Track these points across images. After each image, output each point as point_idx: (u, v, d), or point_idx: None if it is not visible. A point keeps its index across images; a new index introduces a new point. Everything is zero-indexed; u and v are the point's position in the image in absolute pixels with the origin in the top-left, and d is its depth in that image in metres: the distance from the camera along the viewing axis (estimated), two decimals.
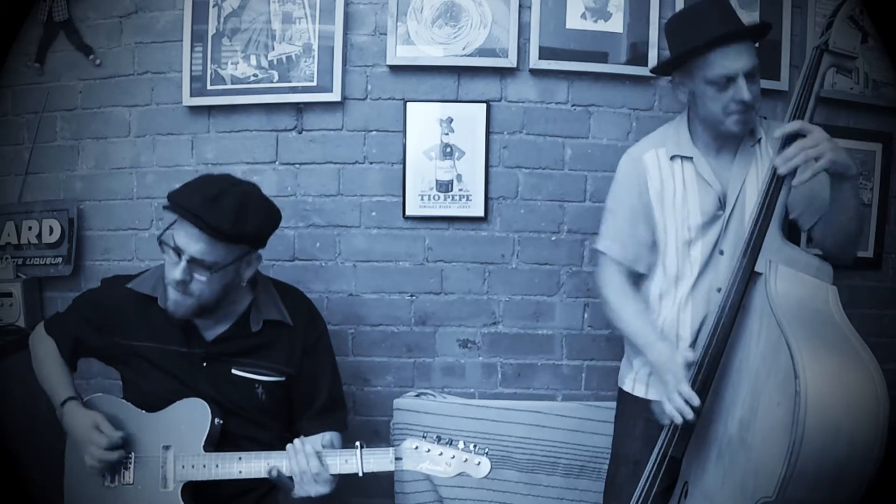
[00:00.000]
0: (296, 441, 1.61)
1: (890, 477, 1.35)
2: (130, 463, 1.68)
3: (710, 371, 1.59)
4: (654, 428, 1.70)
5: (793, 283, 1.52)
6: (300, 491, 1.59)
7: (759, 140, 1.74)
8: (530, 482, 2.22)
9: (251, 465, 1.63)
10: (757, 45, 1.68)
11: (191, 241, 1.59)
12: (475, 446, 1.57)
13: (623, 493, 1.78)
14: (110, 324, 1.76)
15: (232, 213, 1.59)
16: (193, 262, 1.61)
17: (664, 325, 1.81)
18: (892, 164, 2.40)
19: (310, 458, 1.57)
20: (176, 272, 1.60)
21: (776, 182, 1.56)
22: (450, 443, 1.58)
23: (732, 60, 1.60)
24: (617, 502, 1.84)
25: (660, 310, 1.82)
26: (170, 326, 1.72)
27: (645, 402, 1.85)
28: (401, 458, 1.58)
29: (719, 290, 1.65)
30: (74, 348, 1.80)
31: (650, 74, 2.25)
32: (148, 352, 1.73)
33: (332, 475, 1.59)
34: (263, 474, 1.62)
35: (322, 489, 1.58)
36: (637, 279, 1.87)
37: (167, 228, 1.64)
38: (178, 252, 1.61)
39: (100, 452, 1.62)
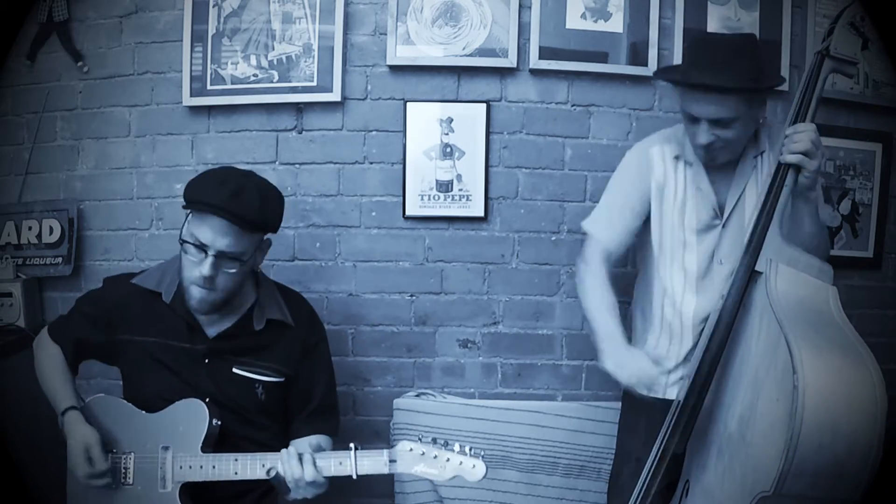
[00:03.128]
0: (290, 448, 1.62)
1: (889, 476, 1.35)
2: (130, 463, 1.68)
3: (710, 369, 1.59)
4: (657, 425, 1.71)
5: (793, 282, 1.53)
6: (296, 494, 1.61)
7: (763, 153, 1.75)
8: (530, 482, 2.22)
9: (247, 467, 1.63)
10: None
11: (217, 235, 1.61)
12: (471, 449, 1.55)
13: (626, 491, 1.78)
14: (114, 320, 1.77)
15: (258, 202, 1.65)
16: (221, 256, 1.63)
17: (670, 327, 1.81)
18: (892, 164, 2.40)
19: (305, 466, 1.57)
20: (204, 268, 1.62)
21: (780, 179, 1.57)
22: (445, 445, 1.56)
23: (698, 105, 1.65)
24: (620, 499, 1.84)
25: (662, 309, 1.83)
26: (173, 322, 1.73)
27: (649, 399, 1.86)
28: (395, 461, 1.57)
29: (722, 297, 1.65)
30: (77, 351, 1.80)
31: (650, 74, 2.25)
32: (150, 347, 1.73)
33: (325, 478, 1.59)
34: (259, 476, 1.62)
35: (318, 491, 1.60)
36: (628, 275, 1.89)
37: (183, 227, 1.65)
38: (203, 248, 1.62)
39: (83, 478, 1.63)
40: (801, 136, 1.55)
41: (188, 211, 1.67)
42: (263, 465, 1.62)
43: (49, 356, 1.79)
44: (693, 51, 1.75)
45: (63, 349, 1.79)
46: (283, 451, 1.61)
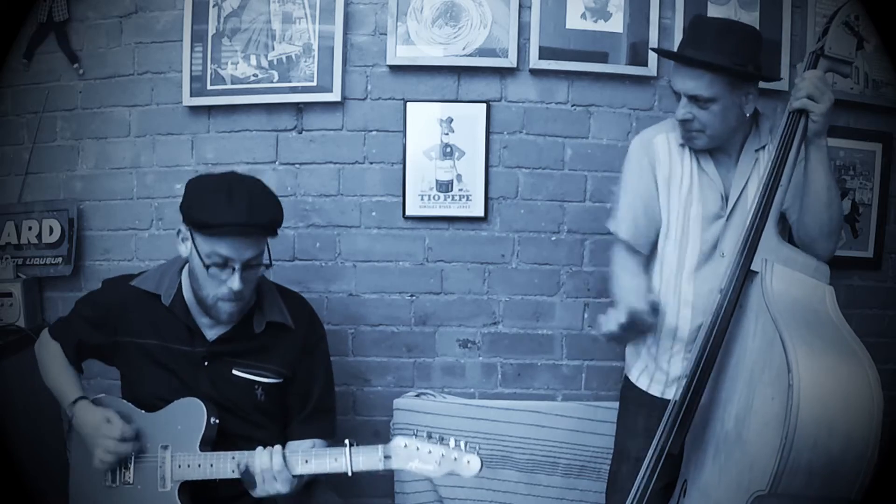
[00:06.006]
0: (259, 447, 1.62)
1: (885, 474, 1.35)
2: (130, 462, 1.68)
3: (706, 368, 1.59)
4: (655, 424, 1.71)
5: (789, 281, 1.54)
6: (261, 491, 1.60)
7: (764, 147, 1.75)
8: (530, 482, 2.22)
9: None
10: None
11: (241, 249, 1.61)
12: (466, 444, 1.55)
13: (625, 490, 1.78)
14: (112, 323, 1.77)
15: (270, 206, 1.68)
16: (246, 267, 1.63)
17: (665, 319, 1.82)
18: (892, 164, 2.40)
19: (274, 455, 1.58)
20: (234, 283, 1.61)
21: (790, 128, 1.58)
22: (440, 440, 1.56)
23: (679, 79, 1.68)
24: (618, 498, 1.84)
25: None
26: (172, 325, 1.73)
27: (648, 396, 1.86)
28: (390, 457, 1.57)
29: (721, 291, 1.65)
30: (78, 351, 1.80)
31: (650, 74, 2.26)
32: (150, 349, 1.73)
33: (293, 476, 1.59)
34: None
35: (281, 489, 1.59)
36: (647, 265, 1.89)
37: (194, 248, 1.63)
38: (228, 264, 1.61)
39: (112, 444, 1.62)
40: (805, 83, 1.57)
41: (190, 229, 1.65)
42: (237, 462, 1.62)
43: (52, 355, 1.80)
44: (687, 29, 1.78)
45: (64, 348, 1.80)
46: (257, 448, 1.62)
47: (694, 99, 1.66)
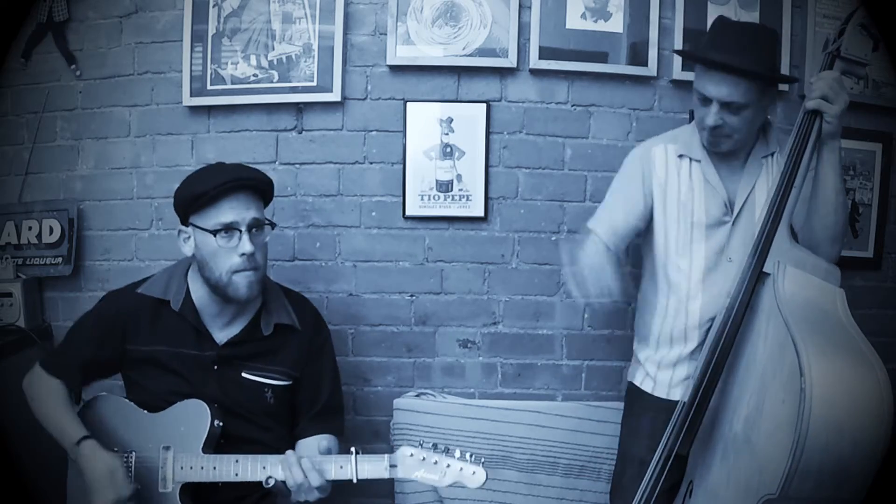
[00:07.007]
0: (289, 453, 1.60)
1: (895, 477, 1.35)
2: (131, 462, 1.68)
3: (716, 370, 1.59)
4: (661, 426, 1.71)
5: (801, 284, 1.53)
6: (298, 497, 1.60)
7: (773, 154, 1.74)
8: (530, 482, 2.22)
9: (247, 469, 1.62)
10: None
11: (241, 209, 1.65)
12: (472, 456, 1.55)
13: (629, 492, 1.78)
14: (119, 333, 1.74)
15: (258, 171, 1.76)
16: (253, 227, 1.66)
17: (672, 326, 1.81)
18: (892, 164, 2.40)
19: (308, 473, 1.56)
20: (244, 246, 1.64)
21: (804, 129, 1.57)
22: (446, 451, 1.56)
23: (713, 85, 1.64)
24: (623, 500, 1.84)
25: (666, 310, 1.83)
26: (182, 329, 1.73)
27: (653, 398, 1.86)
28: (395, 466, 1.58)
29: (730, 293, 1.64)
30: (84, 376, 1.77)
31: (650, 74, 2.26)
32: (159, 356, 1.72)
33: (327, 480, 1.59)
34: (259, 477, 1.61)
35: (321, 495, 1.59)
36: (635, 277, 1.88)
37: (202, 230, 1.65)
38: (236, 227, 1.64)
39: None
40: (820, 83, 1.56)
41: (190, 223, 1.67)
42: (264, 468, 1.61)
43: (49, 391, 1.73)
44: (714, 33, 1.73)
45: (65, 380, 1.74)
46: (284, 456, 1.59)
47: (727, 105, 1.64)
